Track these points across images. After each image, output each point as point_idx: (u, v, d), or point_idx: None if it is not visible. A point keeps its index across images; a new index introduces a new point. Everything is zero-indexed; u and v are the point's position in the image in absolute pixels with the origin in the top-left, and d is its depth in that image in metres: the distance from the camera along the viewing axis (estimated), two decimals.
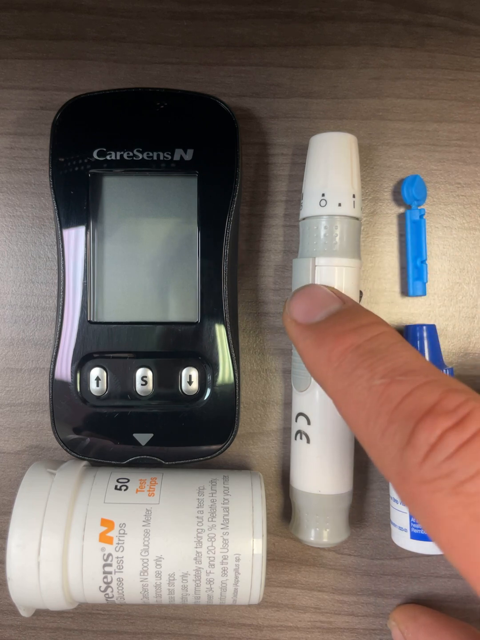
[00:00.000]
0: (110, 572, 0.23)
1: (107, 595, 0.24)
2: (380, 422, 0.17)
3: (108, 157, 0.26)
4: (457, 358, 0.29)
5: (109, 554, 0.23)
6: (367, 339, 0.19)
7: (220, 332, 0.26)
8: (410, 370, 0.18)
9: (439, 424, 0.16)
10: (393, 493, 0.27)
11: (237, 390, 0.26)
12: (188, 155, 0.26)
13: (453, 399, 0.16)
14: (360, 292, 0.26)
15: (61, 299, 0.26)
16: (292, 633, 0.29)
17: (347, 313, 0.21)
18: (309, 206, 0.25)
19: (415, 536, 0.26)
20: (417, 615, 0.27)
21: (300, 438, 0.26)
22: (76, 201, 0.26)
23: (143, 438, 0.26)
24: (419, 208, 0.28)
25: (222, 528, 0.24)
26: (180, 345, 0.26)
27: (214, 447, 0.27)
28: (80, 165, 0.26)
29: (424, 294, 0.28)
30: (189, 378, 0.26)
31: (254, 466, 0.29)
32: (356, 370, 0.18)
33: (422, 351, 0.27)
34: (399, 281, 0.29)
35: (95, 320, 0.26)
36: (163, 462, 0.27)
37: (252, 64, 0.29)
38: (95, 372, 0.26)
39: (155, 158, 0.26)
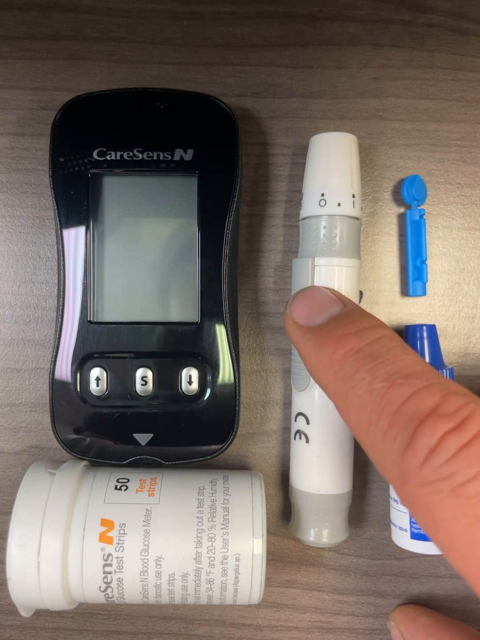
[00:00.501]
0: (110, 572, 0.23)
1: (107, 595, 0.24)
2: (381, 425, 0.17)
3: (108, 157, 0.26)
4: (457, 358, 0.29)
5: (109, 554, 0.23)
6: (368, 343, 0.19)
7: (220, 332, 0.26)
8: (411, 374, 0.18)
9: (439, 427, 0.16)
10: (393, 493, 0.27)
11: (237, 390, 0.26)
12: (188, 155, 0.26)
13: (453, 402, 0.16)
14: (361, 293, 0.26)
15: (61, 299, 0.26)
16: (292, 633, 0.29)
17: (348, 316, 0.21)
18: (309, 206, 0.25)
19: (415, 536, 0.26)
20: (417, 616, 0.27)
21: (300, 438, 0.26)
22: (76, 201, 0.26)
23: (143, 438, 0.26)
24: (419, 208, 0.28)
25: (222, 528, 0.24)
26: (180, 345, 0.26)
27: (214, 447, 0.27)
28: (80, 165, 0.26)
29: (424, 294, 0.28)
30: (189, 378, 0.26)
31: (254, 466, 0.29)
32: (357, 374, 0.19)
33: (422, 351, 0.27)
34: (399, 281, 0.29)
35: (95, 320, 0.26)
36: (163, 462, 0.27)
37: (252, 64, 0.29)
38: (95, 372, 0.26)
39: (155, 158, 0.26)
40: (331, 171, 0.25)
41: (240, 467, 0.29)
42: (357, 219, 0.26)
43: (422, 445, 0.16)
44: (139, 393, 0.26)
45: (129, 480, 0.25)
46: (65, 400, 0.26)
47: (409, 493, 0.16)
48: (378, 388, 0.18)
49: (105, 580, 0.24)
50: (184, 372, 0.26)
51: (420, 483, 0.16)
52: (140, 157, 0.26)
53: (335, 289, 0.25)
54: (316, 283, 0.25)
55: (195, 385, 0.27)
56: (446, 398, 0.16)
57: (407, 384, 0.17)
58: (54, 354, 0.26)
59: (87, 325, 0.26)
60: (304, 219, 0.26)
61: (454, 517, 0.15)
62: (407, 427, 0.16)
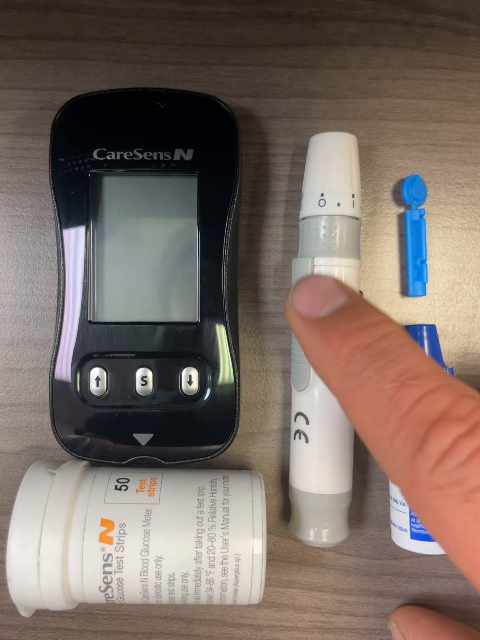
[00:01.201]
0: (110, 572, 0.23)
1: (107, 595, 0.24)
2: (389, 427, 0.17)
3: (108, 157, 0.26)
4: (457, 358, 0.29)
5: (109, 554, 0.23)
6: (376, 339, 0.19)
7: (220, 332, 0.26)
8: (420, 374, 0.17)
9: (451, 431, 0.15)
10: (393, 493, 0.27)
11: (237, 390, 0.26)
12: (188, 155, 0.26)
13: (465, 405, 0.16)
14: (360, 292, 0.26)
15: (61, 299, 0.26)
16: (292, 633, 0.29)
17: (354, 309, 0.21)
18: (308, 206, 0.25)
19: (415, 536, 0.26)
20: (418, 617, 0.27)
21: (299, 438, 0.26)
22: (76, 201, 0.26)
23: (143, 438, 0.26)
24: (419, 208, 0.28)
25: (222, 528, 0.24)
26: (180, 345, 0.26)
27: (214, 447, 0.27)
28: (80, 165, 0.26)
29: (424, 294, 0.28)
30: (189, 378, 0.26)
31: (254, 466, 0.29)
32: (364, 372, 0.18)
33: None
34: (399, 281, 0.29)
35: (95, 320, 0.26)
36: (163, 462, 0.27)
37: (252, 64, 0.29)
38: (95, 372, 0.26)
39: (155, 158, 0.26)
40: (331, 171, 0.25)
41: (240, 467, 0.29)
42: (356, 219, 0.26)
43: (434, 449, 0.15)
44: (139, 393, 0.26)
45: (129, 480, 0.25)
46: (65, 400, 0.26)
47: (418, 496, 0.16)
48: (387, 388, 0.17)
49: (105, 580, 0.24)
50: (184, 372, 0.26)
51: (431, 487, 0.15)
52: (140, 157, 0.26)
53: None
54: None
55: (195, 385, 0.27)
56: (457, 401, 0.16)
57: (417, 385, 0.17)
58: (54, 354, 0.26)
59: (87, 325, 0.26)
60: (303, 219, 0.26)
61: (464, 521, 0.15)
62: (417, 430, 0.16)
